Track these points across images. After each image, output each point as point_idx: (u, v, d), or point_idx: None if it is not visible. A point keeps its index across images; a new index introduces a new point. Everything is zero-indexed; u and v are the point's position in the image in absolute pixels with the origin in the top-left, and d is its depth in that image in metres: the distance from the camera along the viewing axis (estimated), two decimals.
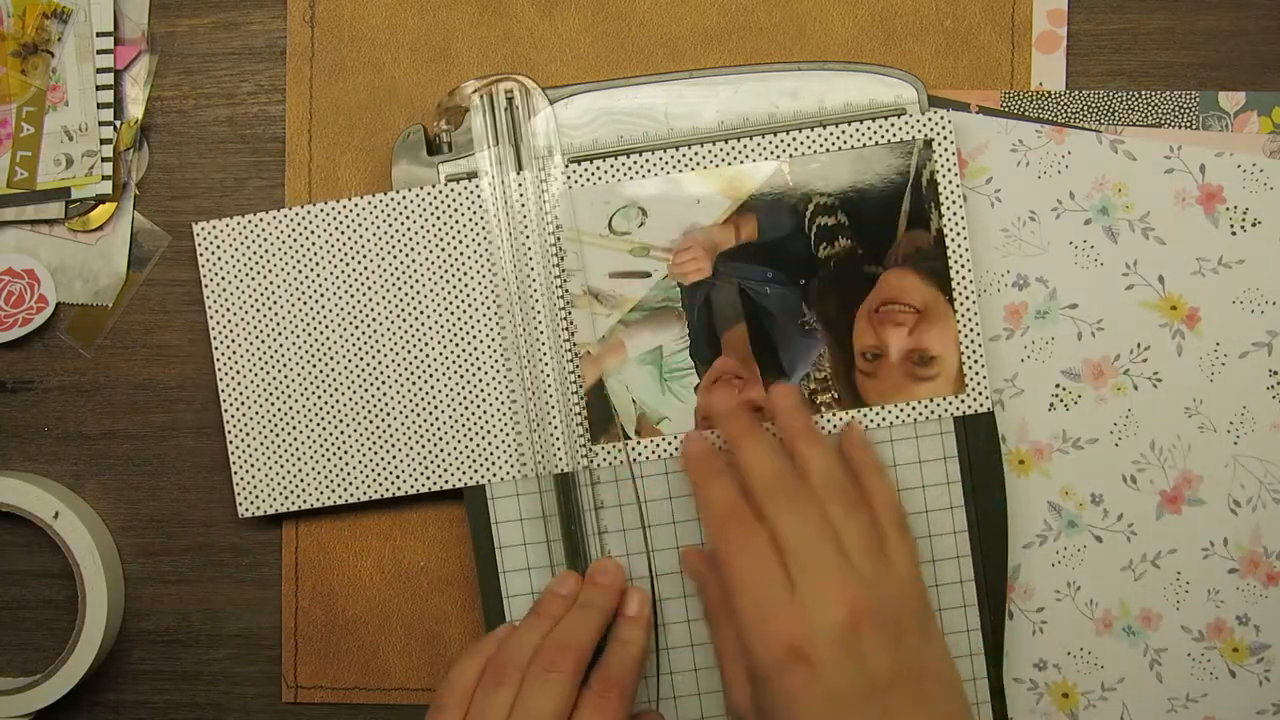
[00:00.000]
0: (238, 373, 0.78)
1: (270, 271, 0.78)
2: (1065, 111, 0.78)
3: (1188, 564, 0.79)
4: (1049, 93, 0.79)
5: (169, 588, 0.82)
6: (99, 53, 0.79)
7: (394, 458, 0.78)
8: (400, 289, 0.78)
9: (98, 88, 0.79)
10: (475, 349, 0.77)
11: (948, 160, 0.76)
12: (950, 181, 0.76)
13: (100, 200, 0.80)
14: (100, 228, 0.80)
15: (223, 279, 0.78)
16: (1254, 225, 0.78)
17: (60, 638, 0.82)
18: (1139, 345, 0.79)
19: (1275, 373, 0.79)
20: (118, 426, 0.82)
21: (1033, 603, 0.80)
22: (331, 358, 0.78)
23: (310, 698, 0.81)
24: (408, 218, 0.77)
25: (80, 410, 0.82)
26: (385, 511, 0.80)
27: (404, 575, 0.81)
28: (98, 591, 0.79)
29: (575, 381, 0.77)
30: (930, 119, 0.76)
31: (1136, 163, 0.78)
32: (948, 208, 0.76)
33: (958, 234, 0.77)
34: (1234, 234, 0.78)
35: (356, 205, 0.77)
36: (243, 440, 0.79)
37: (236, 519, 0.81)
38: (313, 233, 0.78)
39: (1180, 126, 0.78)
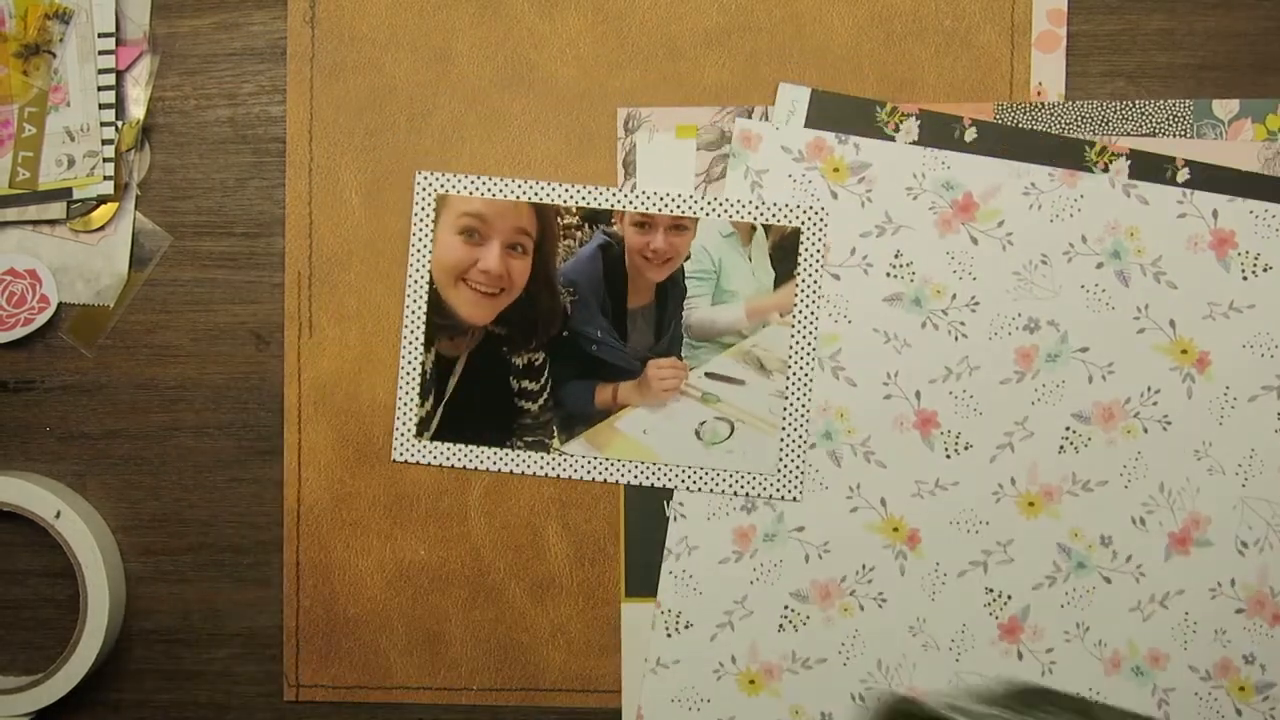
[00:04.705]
0: None
1: None
2: (1060, 122, 0.78)
3: (1195, 604, 0.80)
4: (1042, 104, 0.79)
5: (170, 587, 0.83)
6: (101, 53, 0.79)
7: None
8: None
9: (99, 88, 0.79)
10: None
11: None
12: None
13: (102, 200, 0.80)
14: (102, 228, 0.80)
15: None
16: (1265, 270, 0.78)
17: (62, 637, 0.82)
18: (1149, 389, 0.79)
19: None
20: (119, 426, 0.82)
21: (1042, 643, 0.80)
22: None
23: (311, 696, 0.81)
24: None
25: (82, 410, 0.82)
26: (385, 511, 0.81)
27: (404, 575, 0.81)
28: (99, 590, 0.79)
29: None
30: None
31: (1149, 207, 0.78)
32: None
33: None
34: (1245, 279, 0.78)
35: None
36: None
37: (237, 519, 0.82)
38: None
39: (1175, 135, 0.78)
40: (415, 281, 0.79)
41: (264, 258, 0.81)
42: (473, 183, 0.79)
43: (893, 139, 0.79)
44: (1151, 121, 0.78)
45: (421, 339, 0.79)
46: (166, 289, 0.82)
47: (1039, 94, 0.79)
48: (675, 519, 0.80)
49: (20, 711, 0.79)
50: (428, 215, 0.79)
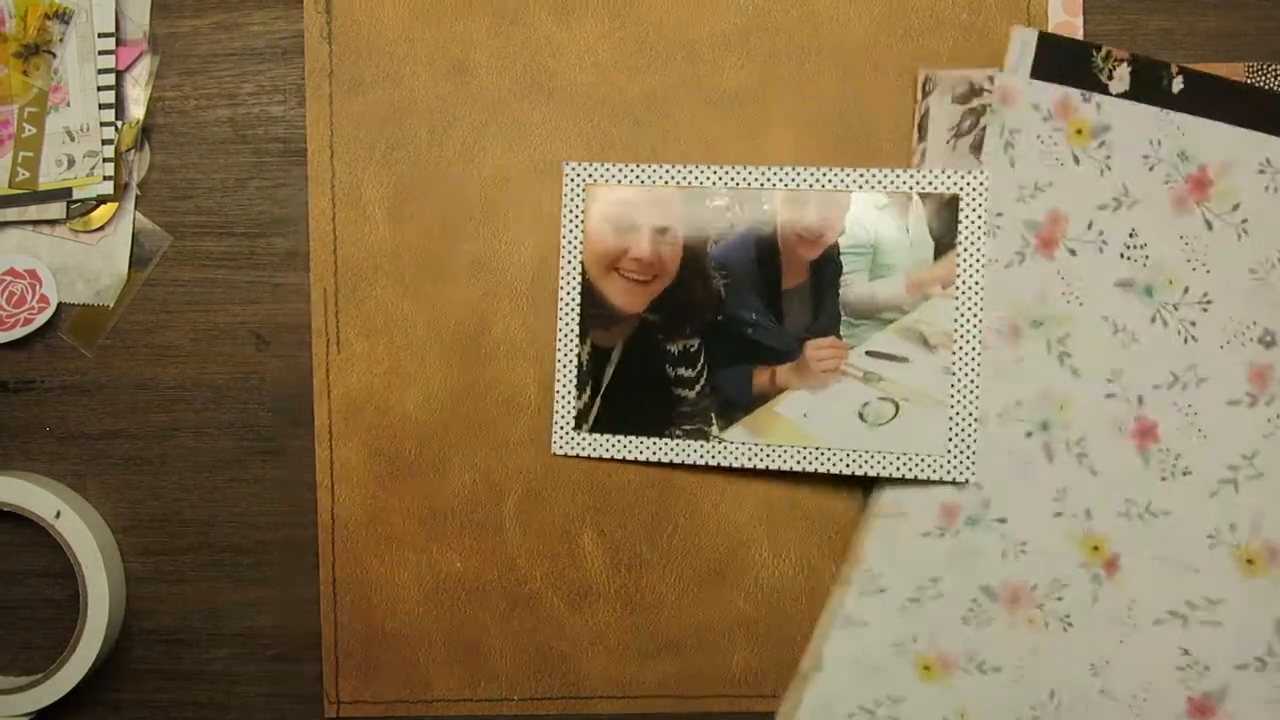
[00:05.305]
0: None
1: None
2: None
3: None
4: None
5: (170, 587, 0.82)
6: (100, 53, 0.79)
7: None
8: None
9: (99, 88, 0.79)
10: None
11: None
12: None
13: (102, 200, 0.79)
14: (102, 228, 0.80)
15: None
16: None
17: (62, 637, 0.82)
18: None
19: None
20: (119, 426, 0.82)
21: None
22: None
23: (353, 712, 0.81)
24: None
25: (81, 410, 0.82)
26: (420, 525, 0.81)
27: (441, 587, 0.81)
28: (99, 590, 0.79)
29: None
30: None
31: None
32: None
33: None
34: None
35: None
36: None
37: (237, 519, 0.82)
38: None
39: None
40: (568, 273, 0.79)
41: (264, 258, 0.81)
42: (620, 170, 0.78)
43: (1107, 88, 0.74)
44: None
45: (576, 330, 0.79)
46: (166, 289, 0.81)
47: None
48: (883, 485, 0.77)
49: (20, 711, 0.79)
50: (577, 206, 0.79)
